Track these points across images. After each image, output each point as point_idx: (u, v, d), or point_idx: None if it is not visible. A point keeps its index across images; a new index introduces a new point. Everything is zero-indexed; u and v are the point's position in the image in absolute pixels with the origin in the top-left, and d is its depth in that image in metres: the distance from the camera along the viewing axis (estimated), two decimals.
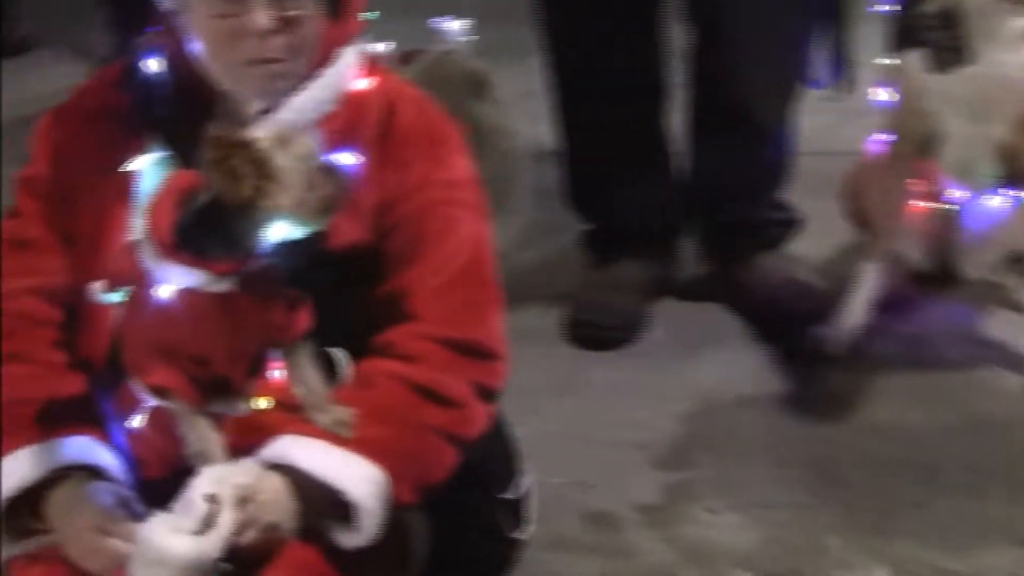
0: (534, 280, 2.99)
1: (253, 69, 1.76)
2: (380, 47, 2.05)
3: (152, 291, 1.64)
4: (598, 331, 2.81)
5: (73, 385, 1.78)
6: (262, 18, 1.73)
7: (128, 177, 1.79)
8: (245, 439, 1.69)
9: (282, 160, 1.60)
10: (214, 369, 1.66)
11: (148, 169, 1.79)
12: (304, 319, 1.69)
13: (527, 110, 3.06)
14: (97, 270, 1.75)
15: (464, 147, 1.89)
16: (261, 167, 1.58)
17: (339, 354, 1.78)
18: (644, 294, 2.88)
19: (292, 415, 1.71)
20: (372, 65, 1.89)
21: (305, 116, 1.78)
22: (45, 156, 1.87)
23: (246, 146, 1.59)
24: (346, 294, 1.78)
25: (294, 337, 1.69)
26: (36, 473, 1.72)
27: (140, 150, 1.80)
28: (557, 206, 3.00)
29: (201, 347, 1.65)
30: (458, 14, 2.78)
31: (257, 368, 1.70)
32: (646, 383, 2.66)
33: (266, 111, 1.79)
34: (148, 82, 1.83)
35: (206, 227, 1.62)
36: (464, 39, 2.77)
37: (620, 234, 2.92)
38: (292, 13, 1.75)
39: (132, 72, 1.85)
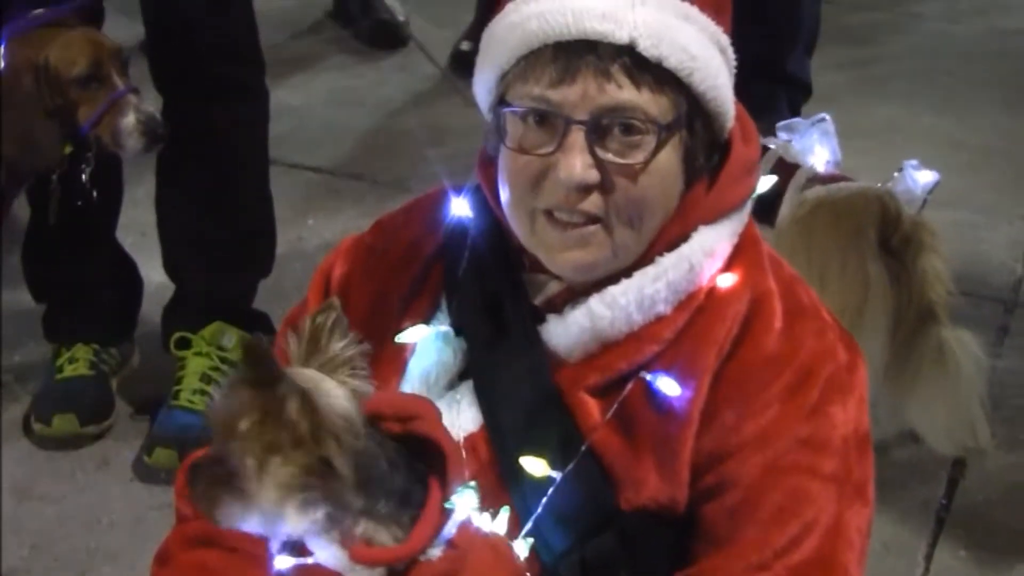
0: None
1: (553, 226, 1.31)
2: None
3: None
4: None
5: None
6: (574, 165, 1.26)
7: (402, 351, 1.39)
8: None
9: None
10: None
11: (425, 345, 1.38)
12: None
13: None
14: None
15: (859, 392, 1.35)
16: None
17: None
18: None
19: None
20: (745, 250, 1.38)
21: (622, 316, 1.32)
22: (317, 299, 1.47)
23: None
24: (628, 569, 1.32)
25: None
26: None
27: (426, 315, 1.39)
28: None
29: None
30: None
31: None
32: None
33: (572, 297, 1.35)
34: (460, 229, 1.41)
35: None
36: (923, 193, 2.12)
37: None
38: (628, 162, 1.27)
39: (446, 210, 1.43)
